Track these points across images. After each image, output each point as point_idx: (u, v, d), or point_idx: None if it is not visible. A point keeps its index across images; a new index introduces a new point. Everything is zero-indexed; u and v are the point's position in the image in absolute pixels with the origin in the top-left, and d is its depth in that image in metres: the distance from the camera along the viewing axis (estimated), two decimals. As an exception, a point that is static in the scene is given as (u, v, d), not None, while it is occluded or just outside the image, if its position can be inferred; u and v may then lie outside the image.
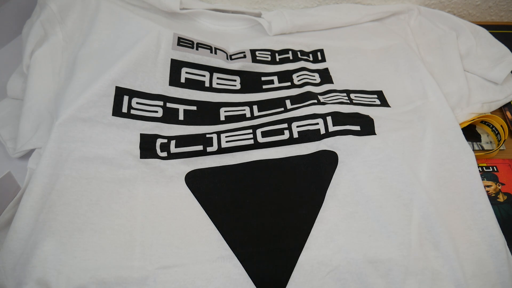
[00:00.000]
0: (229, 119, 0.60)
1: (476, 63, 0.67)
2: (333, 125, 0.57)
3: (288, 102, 0.62)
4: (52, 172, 0.50)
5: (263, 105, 0.62)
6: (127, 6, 0.65)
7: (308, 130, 0.57)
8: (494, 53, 0.68)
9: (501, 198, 0.57)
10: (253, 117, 0.60)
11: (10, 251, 0.45)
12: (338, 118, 0.57)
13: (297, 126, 0.57)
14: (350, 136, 0.55)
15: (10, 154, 0.57)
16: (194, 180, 0.53)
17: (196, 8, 0.69)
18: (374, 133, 0.57)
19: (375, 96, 0.63)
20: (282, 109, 0.61)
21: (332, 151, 0.55)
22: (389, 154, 0.54)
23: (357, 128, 0.57)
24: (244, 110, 0.61)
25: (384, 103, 0.62)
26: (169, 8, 0.66)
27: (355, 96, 0.63)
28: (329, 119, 0.57)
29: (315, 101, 0.60)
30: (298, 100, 0.62)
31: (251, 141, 0.56)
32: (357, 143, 0.55)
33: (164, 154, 0.55)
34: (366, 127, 0.57)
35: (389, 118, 0.59)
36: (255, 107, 0.61)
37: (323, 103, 0.60)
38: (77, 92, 0.54)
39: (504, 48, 0.69)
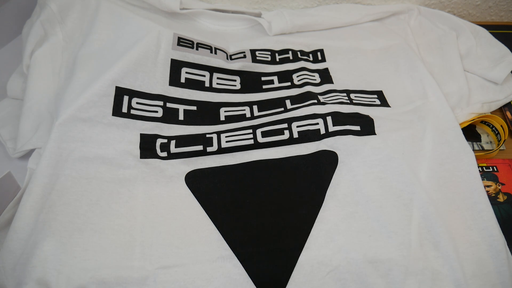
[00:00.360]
0: (229, 119, 0.60)
1: (476, 63, 0.67)
2: (333, 125, 0.57)
3: (288, 102, 0.62)
4: (52, 172, 0.49)
5: (263, 105, 0.62)
6: (127, 6, 0.65)
7: (308, 130, 0.57)
8: (494, 53, 0.68)
9: (501, 198, 0.57)
10: (253, 117, 0.60)
11: (10, 251, 0.45)
12: (338, 118, 0.57)
13: (297, 126, 0.57)
14: (350, 136, 0.55)
15: (10, 154, 0.57)
16: (194, 180, 0.53)
17: (196, 8, 0.69)
18: (374, 133, 0.57)
19: (375, 96, 0.63)
20: (282, 109, 0.61)
21: (332, 151, 0.55)
22: (389, 154, 0.54)
23: (357, 128, 0.57)
24: (244, 110, 0.61)
25: (384, 103, 0.62)
26: (169, 8, 0.66)
27: (355, 96, 0.63)
28: (329, 119, 0.57)
29: (315, 101, 0.60)
30: (298, 100, 0.61)
31: (251, 141, 0.56)
32: (357, 143, 0.55)
33: (164, 154, 0.55)
34: (366, 127, 0.57)
35: (389, 118, 0.59)
36: (255, 107, 0.61)
37: (323, 103, 0.60)
38: (77, 92, 0.54)
39: (504, 48, 0.69)
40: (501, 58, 0.67)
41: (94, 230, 0.47)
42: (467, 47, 0.69)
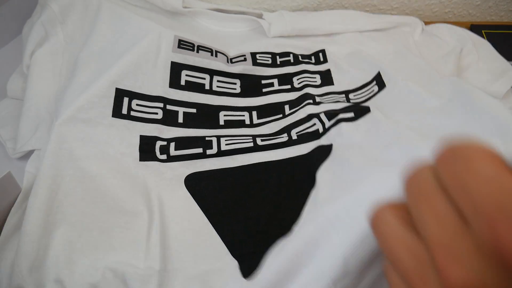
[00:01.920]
0: (228, 124, 0.60)
1: (477, 76, 0.66)
2: (329, 120, 0.57)
3: (287, 107, 0.62)
4: (55, 173, 0.49)
5: (262, 111, 0.62)
6: (128, 6, 0.65)
7: (307, 132, 0.57)
8: (495, 67, 0.67)
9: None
10: (252, 124, 0.60)
11: (24, 254, 0.45)
12: (331, 111, 0.57)
13: (296, 133, 0.57)
14: (344, 124, 0.55)
15: (10, 154, 0.56)
16: (194, 183, 0.53)
17: (197, 7, 0.69)
18: None
19: (374, 82, 0.63)
20: (281, 115, 0.61)
21: (328, 144, 0.55)
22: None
23: (351, 115, 0.56)
24: (243, 116, 0.61)
25: (381, 85, 0.62)
26: (171, 6, 0.66)
27: (353, 96, 0.63)
28: (322, 115, 0.57)
29: (311, 101, 0.60)
30: (296, 104, 0.62)
31: (251, 144, 0.56)
32: (351, 129, 0.55)
33: (164, 156, 0.54)
34: (361, 112, 0.57)
35: (385, 99, 0.59)
36: (254, 113, 0.61)
37: (318, 103, 0.60)
38: (77, 93, 0.54)
39: (505, 63, 0.67)
40: (502, 73, 0.66)
41: (102, 228, 0.47)
42: (469, 60, 0.68)
